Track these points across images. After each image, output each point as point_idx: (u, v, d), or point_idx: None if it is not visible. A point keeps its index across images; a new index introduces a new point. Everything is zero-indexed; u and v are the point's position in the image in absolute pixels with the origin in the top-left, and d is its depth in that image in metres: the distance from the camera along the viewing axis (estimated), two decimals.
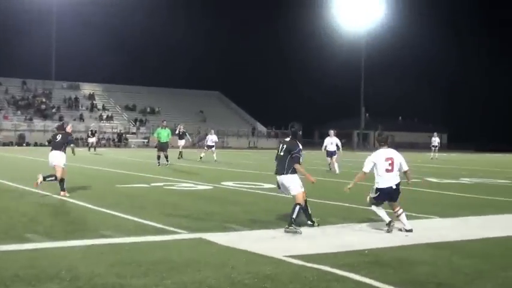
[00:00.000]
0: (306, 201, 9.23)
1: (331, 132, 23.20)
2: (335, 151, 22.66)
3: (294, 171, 9.10)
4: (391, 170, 9.01)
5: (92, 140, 40.78)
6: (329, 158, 22.80)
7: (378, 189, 9.02)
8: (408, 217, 9.23)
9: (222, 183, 16.73)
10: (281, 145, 9.35)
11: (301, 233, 8.59)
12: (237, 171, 22.74)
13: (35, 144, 53.19)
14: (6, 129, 56.01)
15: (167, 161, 24.09)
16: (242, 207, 11.65)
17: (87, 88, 72.67)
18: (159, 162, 23.90)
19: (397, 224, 9.08)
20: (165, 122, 25.90)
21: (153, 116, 67.56)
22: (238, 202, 12.53)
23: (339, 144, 22.86)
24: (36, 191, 12.90)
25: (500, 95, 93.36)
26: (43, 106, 63.26)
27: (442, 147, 52.87)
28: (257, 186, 15.71)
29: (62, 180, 12.74)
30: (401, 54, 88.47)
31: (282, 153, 9.20)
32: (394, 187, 9.00)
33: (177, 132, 32.86)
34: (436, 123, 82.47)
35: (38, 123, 58.70)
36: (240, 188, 15.63)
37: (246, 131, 70.53)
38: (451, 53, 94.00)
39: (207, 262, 6.70)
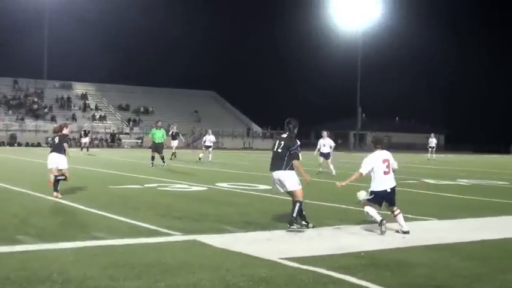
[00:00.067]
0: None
1: (325, 133, 22.42)
2: (329, 153, 22.11)
3: (292, 168, 9.01)
4: (388, 172, 9.01)
5: (85, 140, 40.58)
6: (322, 158, 22.21)
7: (372, 192, 8.99)
8: (405, 219, 9.16)
9: (216, 184, 16.63)
10: (278, 141, 9.24)
11: (304, 232, 8.49)
12: (231, 172, 22.65)
13: (27, 145, 52.97)
14: None
15: (163, 162, 23.89)
16: (237, 208, 11.56)
17: (79, 88, 72.34)
18: (152, 163, 23.71)
19: (394, 226, 9.02)
20: (159, 122, 25.73)
21: (147, 116, 67.38)
22: (233, 203, 12.43)
23: (332, 145, 22.34)
24: (27, 191, 12.76)
25: (500, 95, 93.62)
26: (35, 106, 62.97)
27: (440, 148, 52.94)
28: (252, 188, 15.61)
29: (56, 182, 12.64)
30: (399, 54, 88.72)
31: (279, 150, 9.09)
32: (389, 190, 8.95)
33: (170, 132, 32.72)
34: (434, 124, 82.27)
35: (30, 123, 58.42)
36: (235, 189, 15.53)
37: (241, 131, 70.24)
38: (450, 53, 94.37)
39: (201, 264, 6.61)
